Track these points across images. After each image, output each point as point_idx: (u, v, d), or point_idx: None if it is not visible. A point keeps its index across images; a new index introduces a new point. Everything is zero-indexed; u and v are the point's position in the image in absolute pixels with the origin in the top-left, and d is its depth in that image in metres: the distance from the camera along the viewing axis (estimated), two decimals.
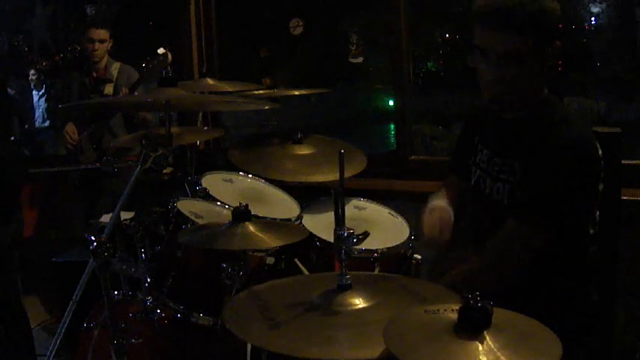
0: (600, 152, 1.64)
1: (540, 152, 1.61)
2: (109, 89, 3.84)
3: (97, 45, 3.79)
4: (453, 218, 1.89)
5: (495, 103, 1.71)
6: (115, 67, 3.89)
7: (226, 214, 1.94)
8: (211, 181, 2.31)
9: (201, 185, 2.25)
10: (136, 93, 3.55)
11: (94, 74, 3.88)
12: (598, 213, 1.73)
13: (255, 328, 1.20)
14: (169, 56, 3.16)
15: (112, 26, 3.92)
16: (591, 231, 1.70)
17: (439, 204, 1.93)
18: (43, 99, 5.48)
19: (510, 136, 1.73)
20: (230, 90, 2.68)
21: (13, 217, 2.86)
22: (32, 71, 5.33)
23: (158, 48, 3.29)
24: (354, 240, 1.28)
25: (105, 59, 3.90)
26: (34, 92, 5.57)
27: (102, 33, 3.81)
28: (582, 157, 1.59)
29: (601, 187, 1.66)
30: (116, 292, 2.05)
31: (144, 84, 3.57)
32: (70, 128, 3.83)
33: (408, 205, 2.48)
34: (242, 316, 1.26)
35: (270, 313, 1.23)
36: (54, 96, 5.18)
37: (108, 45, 3.86)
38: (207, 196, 2.22)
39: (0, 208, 2.75)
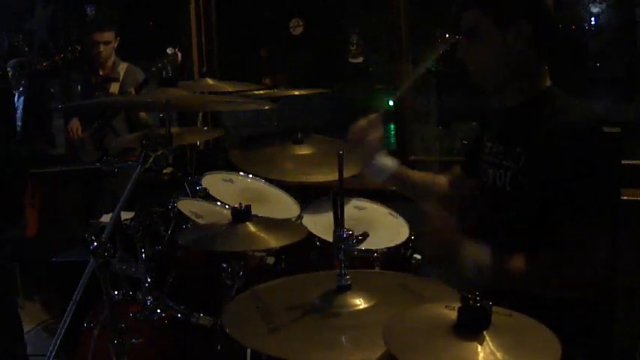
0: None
1: (549, 137, 1.59)
2: (114, 88, 3.84)
3: (102, 47, 3.79)
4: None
5: (478, 84, 1.75)
6: (122, 67, 3.89)
7: (226, 214, 1.94)
8: (211, 181, 2.32)
9: (201, 185, 2.26)
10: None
11: (101, 72, 3.88)
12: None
13: (255, 331, 1.19)
14: (179, 55, 3.17)
15: (117, 26, 3.92)
16: None
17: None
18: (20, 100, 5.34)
19: (514, 123, 1.74)
20: (230, 90, 2.68)
21: (15, 221, 2.85)
22: None
23: (159, 48, 3.29)
24: (354, 241, 1.28)
25: (112, 58, 3.89)
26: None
27: (107, 35, 3.80)
28: (594, 136, 1.60)
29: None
30: (116, 292, 2.05)
31: (151, 84, 3.57)
32: (75, 124, 3.84)
33: (408, 205, 2.48)
34: (241, 319, 1.26)
35: (269, 315, 1.23)
36: (54, 96, 5.17)
37: (114, 45, 3.86)
38: (207, 196, 2.22)
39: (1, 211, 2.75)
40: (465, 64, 1.75)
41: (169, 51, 3.18)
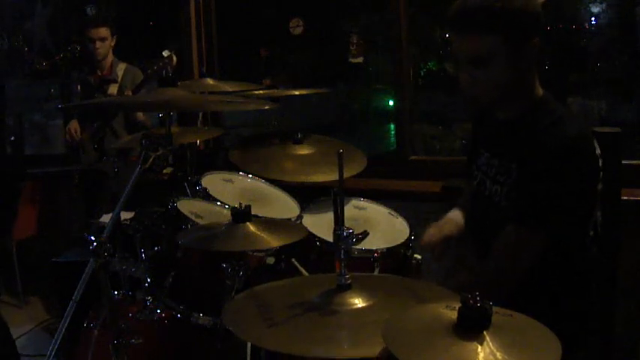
0: (598, 151, 1.63)
1: (534, 154, 1.60)
2: (113, 89, 3.84)
3: (99, 44, 3.79)
4: (456, 231, 1.94)
5: (476, 106, 1.72)
6: (121, 68, 3.89)
7: (226, 214, 1.94)
8: (211, 181, 2.31)
9: (201, 185, 2.25)
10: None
11: (99, 73, 3.88)
12: (600, 214, 1.72)
13: (254, 327, 1.20)
14: (174, 59, 3.16)
15: (113, 24, 3.92)
16: (591, 232, 1.69)
17: (450, 217, 1.98)
18: None
19: (506, 138, 1.73)
20: (230, 90, 2.68)
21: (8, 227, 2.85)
22: None
23: (158, 48, 3.29)
24: (354, 240, 1.28)
25: (110, 59, 3.89)
26: None
27: (102, 31, 3.80)
28: (577, 157, 1.57)
29: (600, 186, 1.65)
30: (116, 292, 2.05)
31: (147, 86, 3.57)
32: (74, 125, 3.84)
33: (408, 205, 2.48)
34: (241, 316, 1.26)
35: (269, 313, 1.23)
36: (53, 96, 5.19)
37: (110, 42, 3.86)
38: (207, 196, 2.22)
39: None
40: (466, 89, 1.66)
41: (165, 53, 3.18)
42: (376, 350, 1.07)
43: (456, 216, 1.99)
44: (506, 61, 1.58)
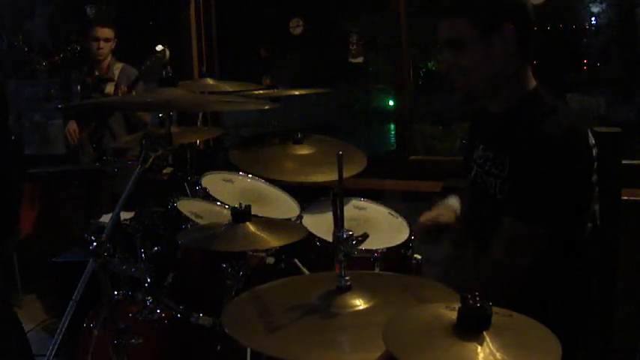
0: (592, 141, 1.63)
1: (527, 145, 1.59)
2: (110, 88, 3.84)
3: (102, 44, 3.80)
4: (453, 220, 1.93)
5: (465, 97, 1.73)
6: (117, 67, 3.90)
7: (226, 214, 1.94)
8: (211, 181, 2.32)
9: (201, 185, 2.25)
10: (134, 92, 3.57)
11: (97, 73, 3.88)
12: (598, 207, 1.71)
13: (255, 332, 1.19)
14: (167, 53, 3.16)
15: (115, 27, 3.93)
16: (589, 225, 1.69)
17: (448, 204, 1.99)
18: None
19: (500, 130, 1.73)
20: (230, 90, 2.68)
21: (10, 232, 2.84)
22: None
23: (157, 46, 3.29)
24: (353, 242, 1.28)
25: (108, 59, 3.90)
26: None
27: (107, 32, 3.82)
28: (570, 149, 1.57)
29: (594, 178, 1.65)
30: (116, 292, 2.05)
31: (143, 82, 3.58)
32: (72, 127, 3.84)
33: (408, 205, 2.48)
34: (241, 319, 1.26)
35: (269, 316, 1.23)
36: (53, 96, 5.19)
37: (112, 44, 3.87)
38: (207, 196, 2.22)
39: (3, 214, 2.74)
40: (448, 75, 1.71)
41: (158, 48, 3.18)
42: (378, 353, 1.07)
43: (454, 204, 1.99)
44: (479, 48, 1.62)
